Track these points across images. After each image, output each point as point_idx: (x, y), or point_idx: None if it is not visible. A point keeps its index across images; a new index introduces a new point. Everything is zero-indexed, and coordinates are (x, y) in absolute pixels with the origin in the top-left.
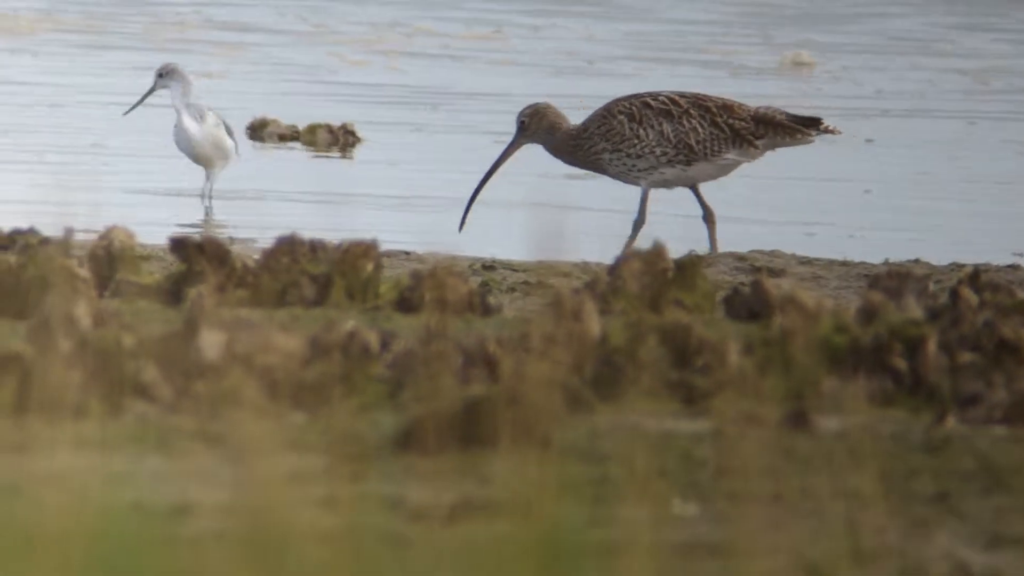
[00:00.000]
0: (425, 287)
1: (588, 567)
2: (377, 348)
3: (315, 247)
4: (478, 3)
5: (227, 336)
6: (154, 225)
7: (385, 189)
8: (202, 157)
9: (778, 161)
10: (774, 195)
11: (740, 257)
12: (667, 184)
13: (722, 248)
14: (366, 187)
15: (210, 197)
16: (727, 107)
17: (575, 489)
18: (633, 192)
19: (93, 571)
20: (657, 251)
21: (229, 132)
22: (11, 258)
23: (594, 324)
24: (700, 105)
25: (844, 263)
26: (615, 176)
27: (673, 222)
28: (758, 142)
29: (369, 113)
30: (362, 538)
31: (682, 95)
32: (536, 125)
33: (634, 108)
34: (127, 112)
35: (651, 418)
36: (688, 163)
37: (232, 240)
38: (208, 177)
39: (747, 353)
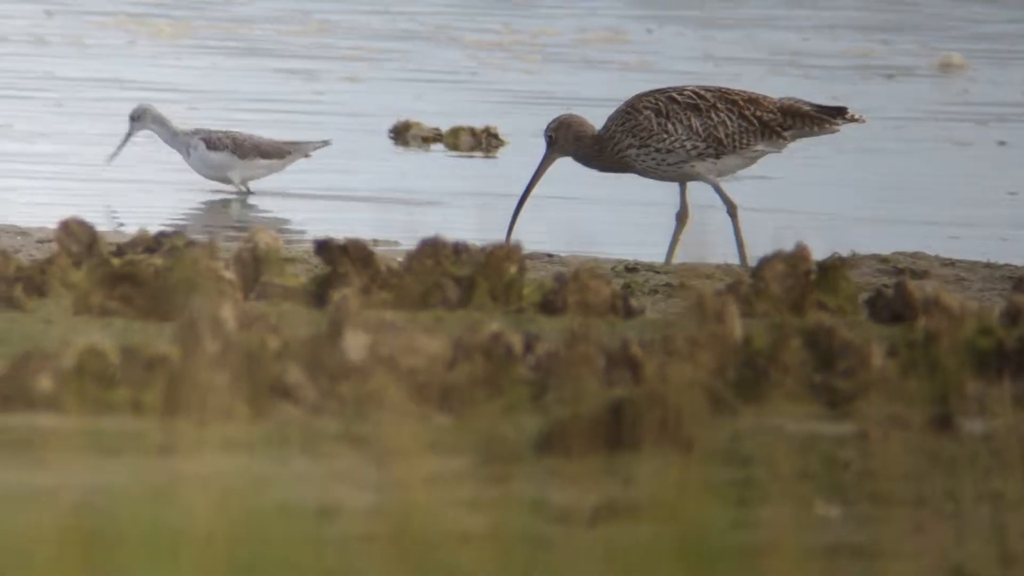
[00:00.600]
0: (568, 289)
1: (731, 569)
2: (520, 350)
3: (459, 249)
4: (589, 4)
5: (371, 338)
6: (299, 227)
7: (535, 197)
8: (209, 179)
9: (921, 163)
10: (916, 198)
11: (883, 259)
12: (698, 177)
13: (865, 250)
14: (509, 189)
15: (245, 196)
16: (753, 100)
17: (718, 491)
18: (768, 192)
19: (239, 572)
20: (800, 253)
21: (215, 144)
22: (158, 261)
23: (737, 326)
24: (726, 99)
25: (988, 265)
26: (643, 173)
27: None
28: (786, 133)
29: (509, 115)
30: (506, 539)
31: (707, 89)
32: (563, 138)
33: (660, 103)
34: (111, 159)
35: (794, 420)
36: (717, 156)
37: (376, 242)
38: (236, 186)
39: (891, 355)
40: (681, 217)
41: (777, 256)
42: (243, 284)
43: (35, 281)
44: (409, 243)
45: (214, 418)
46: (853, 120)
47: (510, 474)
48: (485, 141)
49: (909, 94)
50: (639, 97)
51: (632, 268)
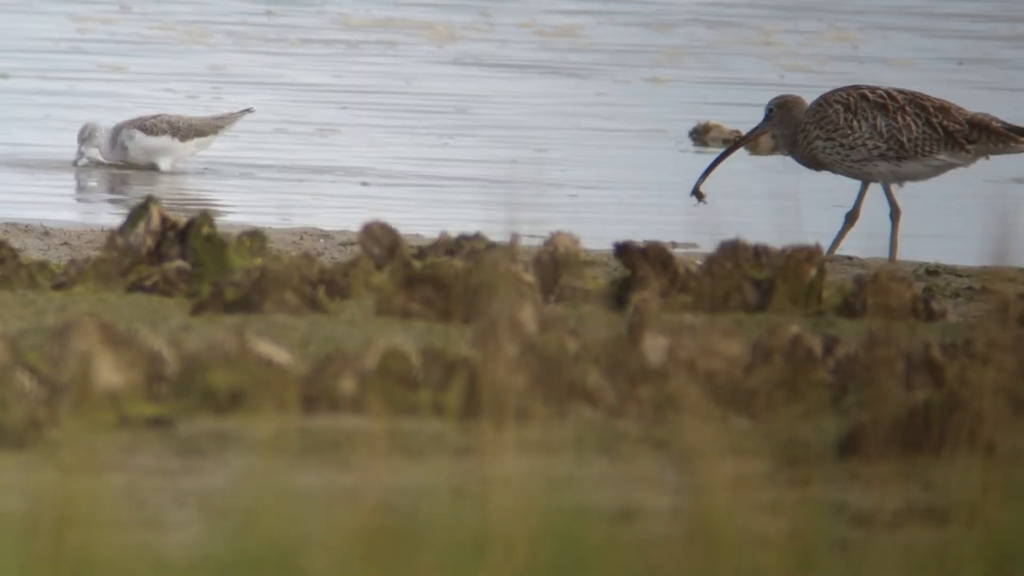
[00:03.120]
0: (868, 292)
1: None
2: (820, 353)
3: (758, 252)
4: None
5: (670, 341)
6: (595, 230)
7: (827, 195)
8: (147, 166)
9: None
10: None
11: None
12: (878, 178)
13: None
14: (809, 193)
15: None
16: (944, 108)
17: (1021, 494)
18: None
19: (539, 573)
20: None
21: (152, 130)
22: (458, 263)
23: None
24: (917, 103)
25: None
26: (831, 167)
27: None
28: (970, 146)
29: None
30: (805, 543)
31: (901, 91)
32: (779, 117)
33: (851, 99)
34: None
35: None
36: (900, 159)
37: (674, 244)
38: (158, 170)
39: None
40: (851, 217)
41: None
42: (543, 287)
43: (338, 283)
44: (708, 245)
45: (514, 420)
46: None
47: (810, 477)
48: None
49: None
50: (834, 91)
51: (933, 271)
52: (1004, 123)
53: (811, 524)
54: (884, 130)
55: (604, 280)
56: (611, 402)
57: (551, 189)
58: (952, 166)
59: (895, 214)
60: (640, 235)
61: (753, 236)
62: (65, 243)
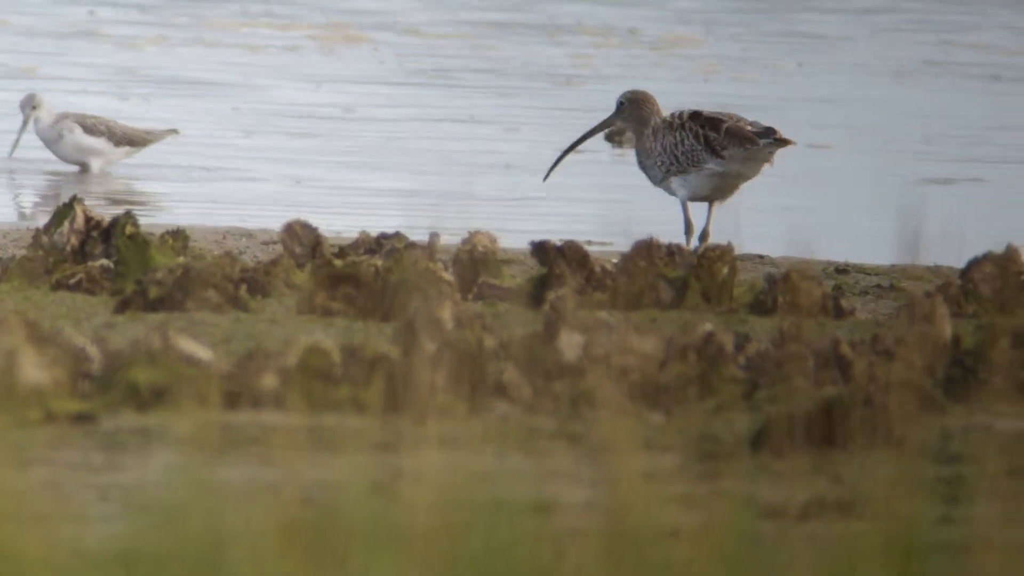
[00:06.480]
0: (779, 290)
1: (940, 565)
2: (732, 350)
3: (672, 251)
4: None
5: (586, 338)
6: (515, 231)
7: (746, 197)
8: (75, 164)
9: None
10: None
11: None
12: (681, 193)
13: None
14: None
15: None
16: (714, 120)
17: (927, 488)
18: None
19: (456, 567)
20: (1009, 255)
21: (91, 130)
22: (378, 262)
23: (946, 327)
24: (694, 118)
25: None
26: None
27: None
28: (725, 152)
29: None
30: (717, 535)
31: (694, 110)
32: (629, 112)
33: (663, 121)
34: (12, 151)
35: (1003, 419)
36: (681, 173)
37: (590, 243)
38: (88, 171)
39: None
40: (700, 236)
41: (986, 258)
42: (461, 285)
43: (259, 282)
44: (623, 244)
45: (432, 415)
46: None
47: (721, 471)
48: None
49: None
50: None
51: (843, 269)
52: (757, 126)
53: (723, 517)
54: (665, 148)
55: (521, 278)
56: (527, 398)
57: (469, 190)
58: (730, 174)
59: (687, 230)
60: (556, 234)
61: (668, 235)
62: None
